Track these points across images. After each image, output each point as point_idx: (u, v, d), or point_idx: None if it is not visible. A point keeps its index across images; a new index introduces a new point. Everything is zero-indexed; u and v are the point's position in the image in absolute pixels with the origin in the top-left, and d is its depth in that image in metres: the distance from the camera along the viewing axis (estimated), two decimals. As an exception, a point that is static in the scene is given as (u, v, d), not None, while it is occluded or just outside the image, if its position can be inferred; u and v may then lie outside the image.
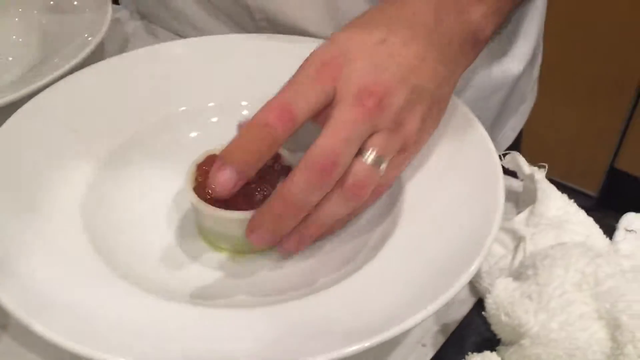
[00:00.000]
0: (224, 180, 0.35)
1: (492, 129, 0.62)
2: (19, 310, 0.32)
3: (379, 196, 0.41)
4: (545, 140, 1.19)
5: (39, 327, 0.31)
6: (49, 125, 0.43)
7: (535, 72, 0.65)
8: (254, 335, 0.33)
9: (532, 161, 0.45)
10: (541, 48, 0.64)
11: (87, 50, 0.48)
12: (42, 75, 0.47)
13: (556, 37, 0.78)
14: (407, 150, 0.39)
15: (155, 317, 0.34)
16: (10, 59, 0.54)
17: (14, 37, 0.55)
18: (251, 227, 0.37)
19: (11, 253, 0.36)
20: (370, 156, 0.36)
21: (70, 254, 0.37)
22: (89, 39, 0.50)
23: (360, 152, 0.36)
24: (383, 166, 0.37)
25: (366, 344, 0.31)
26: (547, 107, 0.97)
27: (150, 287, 0.36)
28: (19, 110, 0.43)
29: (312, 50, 0.39)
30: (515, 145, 0.66)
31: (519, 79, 0.60)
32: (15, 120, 0.42)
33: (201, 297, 0.38)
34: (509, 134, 0.64)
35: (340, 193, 0.36)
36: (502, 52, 0.58)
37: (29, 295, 0.33)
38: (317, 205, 0.37)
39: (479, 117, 0.43)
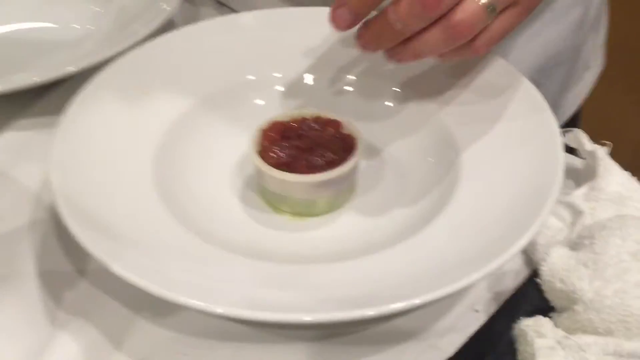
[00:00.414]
0: (341, 19, 0.37)
1: (558, 95, 0.62)
2: (99, 252, 0.34)
3: (483, 50, 0.39)
4: (606, 121, 1.15)
5: (117, 268, 0.33)
6: (124, 88, 0.46)
7: (600, 38, 0.64)
8: (314, 287, 0.35)
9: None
10: (606, 15, 0.63)
11: (162, 17, 0.51)
12: (120, 42, 0.50)
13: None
14: (519, 4, 0.38)
15: (220, 265, 0.36)
16: (89, 27, 0.57)
17: (91, 6, 0.58)
18: (358, 36, 0.39)
19: (92, 203, 0.38)
20: None
21: (143, 205, 0.39)
22: (164, 7, 0.52)
23: None
24: (493, 13, 0.37)
25: (416, 300, 0.33)
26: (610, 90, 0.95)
27: (212, 239, 0.38)
28: (98, 74, 0.46)
29: None
30: (575, 119, 0.66)
31: (582, 45, 0.60)
32: (95, 83, 0.45)
33: (263, 252, 0.39)
34: (574, 100, 0.64)
35: (444, 27, 0.36)
36: (562, 19, 0.58)
37: (107, 239, 0.36)
38: (419, 33, 0.37)
39: (545, 84, 0.43)
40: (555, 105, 0.60)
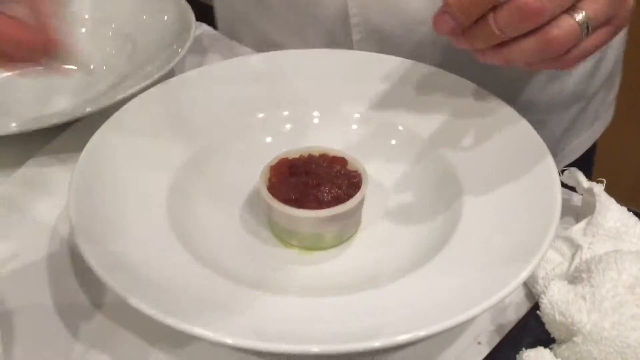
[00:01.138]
0: (444, 24, 0.38)
1: (562, 138, 0.63)
2: (117, 285, 0.36)
3: (574, 62, 0.40)
4: (617, 165, 1.17)
5: (134, 301, 0.35)
6: (139, 128, 0.47)
7: (612, 94, 0.66)
8: (321, 319, 0.36)
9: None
10: (620, 72, 0.66)
11: (176, 60, 0.53)
12: (135, 83, 0.52)
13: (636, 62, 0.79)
14: (613, 23, 0.40)
15: (230, 298, 0.37)
16: (105, 68, 0.59)
17: (107, 49, 0.61)
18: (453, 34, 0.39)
19: (108, 237, 0.40)
20: (579, 15, 0.37)
21: (157, 241, 0.41)
22: (177, 49, 0.54)
23: (570, 9, 0.37)
24: (587, 30, 0.38)
25: (421, 332, 0.34)
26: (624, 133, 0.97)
27: (225, 274, 0.40)
28: (115, 114, 0.47)
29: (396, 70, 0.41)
30: (588, 165, 0.67)
31: (595, 95, 0.62)
32: (111, 123, 0.47)
33: (272, 285, 0.41)
34: (578, 147, 0.65)
35: (540, 39, 0.37)
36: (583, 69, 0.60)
37: (123, 272, 0.37)
38: (513, 40, 0.38)
39: (550, 123, 0.44)
40: (556, 148, 0.61)
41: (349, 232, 0.45)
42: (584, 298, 0.34)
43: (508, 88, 0.45)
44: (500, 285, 0.36)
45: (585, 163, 0.67)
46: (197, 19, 0.60)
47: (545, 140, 0.44)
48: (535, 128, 0.45)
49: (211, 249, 0.42)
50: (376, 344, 0.33)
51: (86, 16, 0.62)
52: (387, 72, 0.51)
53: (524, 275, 0.36)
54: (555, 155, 0.43)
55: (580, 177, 0.46)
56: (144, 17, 0.60)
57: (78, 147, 0.45)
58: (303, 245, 0.44)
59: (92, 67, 0.59)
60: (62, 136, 0.53)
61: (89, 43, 0.60)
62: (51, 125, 0.50)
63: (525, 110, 0.48)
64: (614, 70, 0.65)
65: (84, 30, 0.61)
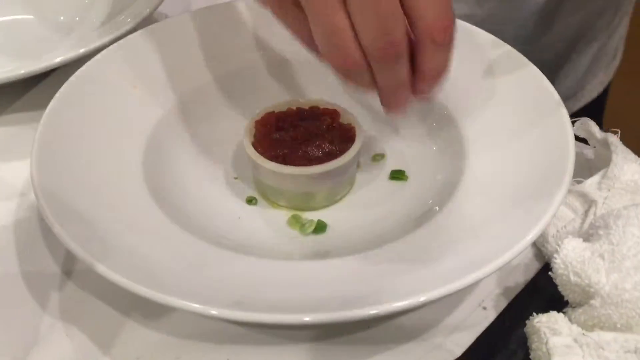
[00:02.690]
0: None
1: (584, 75, 0.62)
2: (83, 253, 0.32)
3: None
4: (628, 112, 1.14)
5: (102, 268, 0.31)
6: (112, 80, 0.44)
7: (624, 31, 0.65)
8: (313, 286, 0.33)
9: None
10: (627, 16, 0.65)
11: (152, 6, 0.49)
12: (108, 33, 0.48)
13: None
14: None
15: (208, 262, 0.34)
16: (77, 18, 0.55)
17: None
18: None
19: (77, 200, 0.36)
20: None
21: (131, 202, 0.37)
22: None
23: None
24: None
25: (420, 298, 0.31)
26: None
27: (205, 236, 0.36)
28: (84, 66, 0.44)
29: None
30: (600, 110, 0.67)
31: (615, 30, 0.61)
32: (80, 75, 0.43)
33: (255, 248, 0.37)
34: (598, 87, 0.64)
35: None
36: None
37: (93, 239, 0.34)
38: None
39: (575, 60, 0.41)
40: (579, 87, 0.61)
41: (342, 191, 0.42)
42: (602, 257, 0.31)
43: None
44: (507, 245, 0.33)
45: (598, 108, 0.66)
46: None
47: (569, 78, 0.41)
48: (562, 64, 0.42)
49: (191, 211, 0.39)
50: (372, 311, 0.31)
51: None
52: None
53: (533, 233, 0.33)
54: (575, 94, 0.40)
55: (593, 127, 0.42)
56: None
57: (47, 104, 0.41)
58: (292, 205, 0.41)
59: (62, 18, 0.55)
60: (31, 93, 0.50)
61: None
62: (18, 77, 0.47)
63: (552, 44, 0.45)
64: (626, 10, 0.64)
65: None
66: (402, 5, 0.31)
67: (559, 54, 0.58)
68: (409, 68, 0.33)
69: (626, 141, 0.41)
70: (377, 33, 0.31)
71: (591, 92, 0.64)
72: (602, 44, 0.62)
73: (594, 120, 0.43)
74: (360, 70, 0.33)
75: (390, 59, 0.32)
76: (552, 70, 0.60)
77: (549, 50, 0.54)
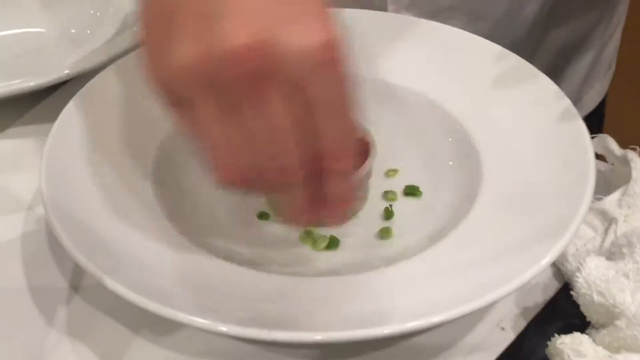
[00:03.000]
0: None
1: (581, 86, 0.62)
2: (92, 266, 0.31)
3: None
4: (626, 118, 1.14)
5: (110, 282, 0.31)
6: (122, 92, 0.43)
7: (617, 42, 0.65)
8: (325, 303, 0.32)
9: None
10: (621, 27, 0.65)
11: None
12: (118, 45, 0.48)
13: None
14: None
15: (218, 278, 0.34)
16: (89, 32, 0.55)
17: (91, 11, 0.56)
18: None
19: (85, 213, 0.36)
20: None
21: (140, 216, 0.37)
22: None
23: None
24: None
25: (435, 319, 0.30)
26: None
27: (216, 251, 0.36)
28: (93, 79, 0.43)
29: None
30: (600, 119, 0.66)
31: (609, 40, 0.61)
32: (89, 88, 0.43)
33: (266, 264, 0.37)
34: (595, 98, 0.64)
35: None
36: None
37: (101, 253, 0.33)
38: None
39: (569, 70, 0.41)
40: (576, 98, 0.61)
41: (356, 206, 0.41)
42: (626, 276, 0.30)
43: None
44: (526, 264, 0.32)
45: (598, 117, 0.66)
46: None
47: (565, 90, 0.40)
48: (557, 76, 0.41)
49: (201, 226, 0.38)
50: (385, 331, 0.30)
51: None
52: (393, 31, 0.47)
53: (553, 252, 0.32)
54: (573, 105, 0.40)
55: (612, 144, 0.42)
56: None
57: (58, 116, 0.41)
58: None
59: (73, 31, 0.55)
60: (40, 106, 0.49)
61: (71, 6, 0.56)
62: (28, 90, 0.46)
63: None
64: (619, 21, 0.64)
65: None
66: (306, 121, 0.26)
67: (553, 67, 0.58)
68: (308, 192, 0.29)
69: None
70: (266, 156, 0.27)
71: (589, 103, 0.64)
72: (597, 54, 0.61)
73: (595, 132, 0.42)
74: (252, 184, 0.28)
75: (282, 186, 0.28)
76: None
77: (543, 63, 0.54)
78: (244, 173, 0.28)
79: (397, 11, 0.53)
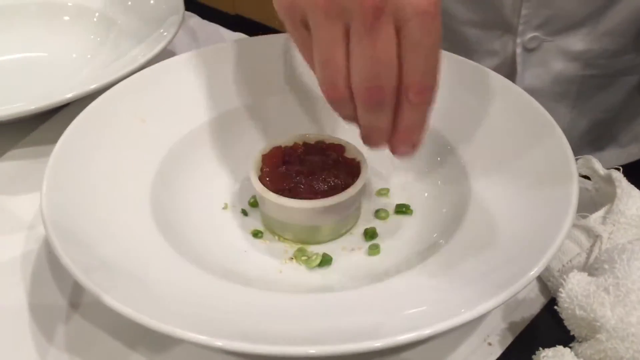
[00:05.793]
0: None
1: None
2: (90, 284, 0.32)
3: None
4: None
5: (108, 299, 0.32)
6: (121, 115, 0.44)
7: None
8: (318, 318, 0.33)
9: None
10: None
11: (162, 44, 0.50)
12: (118, 69, 0.49)
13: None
14: None
15: (214, 294, 0.34)
16: (89, 56, 0.56)
17: (92, 36, 0.58)
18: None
19: (85, 233, 0.36)
20: None
21: (138, 235, 0.38)
22: (164, 34, 0.51)
23: None
24: None
25: (426, 331, 0.31)
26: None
27: (211, 269, 0.37)
28: (94, 102, 0.44)
29: None
30: None
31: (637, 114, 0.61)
32: (90, 111, 0.44)
33: (260, 281, 0.38)
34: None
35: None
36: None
37: (100, 271, 0.34)
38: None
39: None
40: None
41: (347, 225, 0.42)
42: (607, 291, 0.31)
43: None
44: (512, 279, 0.33)
45: None
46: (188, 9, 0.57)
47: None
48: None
49: (198, 244, 0.39)
50: (377, 344, 0.30)
51: (69, 3, 0.59)
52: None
53: (538, 268, 0.33)
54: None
55: (596, 164, 0.43)
56: (129, 2, 0.57)
57: (58, 139, 0.41)
58: (297, 239, 0.41)
59: (74, 55, 0.56)
60: (42, 128, 0.51)
61: (72, 31, 0.57)
62: (29, 113, 0.47)
63: None
64: None
65: (67, 18, 0.58)
66: (399, 57, 0.31)
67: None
68: (390, 118, 0.33)
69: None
70: (366, 76, 0.32)
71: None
72: None
73: None
74: (345, 104, 0.33)
75: (373, 104, 0.32)
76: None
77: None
78: (344, 92, 0.33)
79: None
